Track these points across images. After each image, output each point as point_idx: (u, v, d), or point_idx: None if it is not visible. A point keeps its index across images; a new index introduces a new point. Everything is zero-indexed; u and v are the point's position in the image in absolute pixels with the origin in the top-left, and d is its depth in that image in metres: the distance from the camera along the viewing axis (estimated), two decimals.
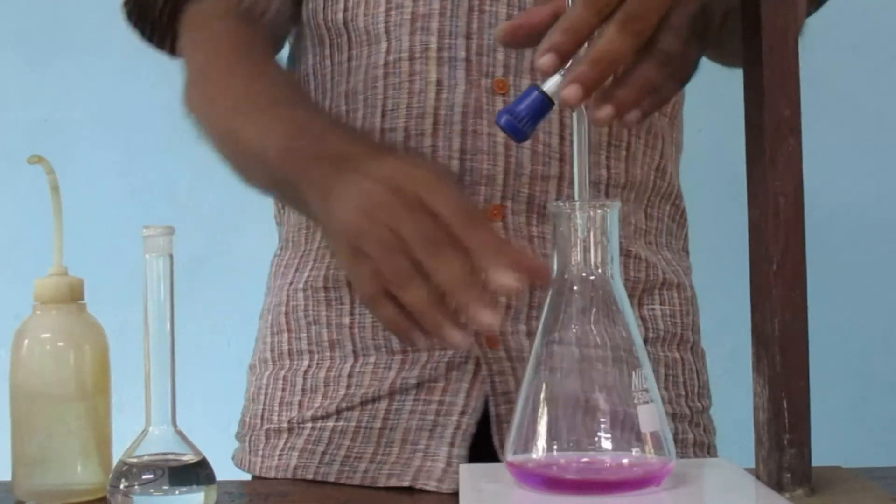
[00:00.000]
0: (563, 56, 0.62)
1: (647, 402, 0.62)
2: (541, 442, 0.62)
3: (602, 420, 0.62)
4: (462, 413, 0.83)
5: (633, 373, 0.63)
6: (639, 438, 0.62)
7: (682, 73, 0.65)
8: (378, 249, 0.64)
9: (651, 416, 0.62)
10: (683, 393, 0.91)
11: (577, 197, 0.65)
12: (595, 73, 0.61)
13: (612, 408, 0.62)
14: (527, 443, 0.63)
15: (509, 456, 0.64)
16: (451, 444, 0.82)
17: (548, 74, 0.63)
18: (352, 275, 0.67)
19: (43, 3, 1.65)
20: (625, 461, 0.62)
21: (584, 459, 0.62)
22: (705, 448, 0.92)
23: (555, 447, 0.62)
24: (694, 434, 0.91)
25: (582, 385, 0.62)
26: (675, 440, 0.88)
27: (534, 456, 0.62)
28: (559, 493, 0.62)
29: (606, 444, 0.61)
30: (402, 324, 0.65)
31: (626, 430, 0.62)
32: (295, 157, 0.74)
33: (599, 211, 0.64)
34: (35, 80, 1.66)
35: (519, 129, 0.64)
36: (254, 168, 0.82)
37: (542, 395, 0.63)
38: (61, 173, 0.75)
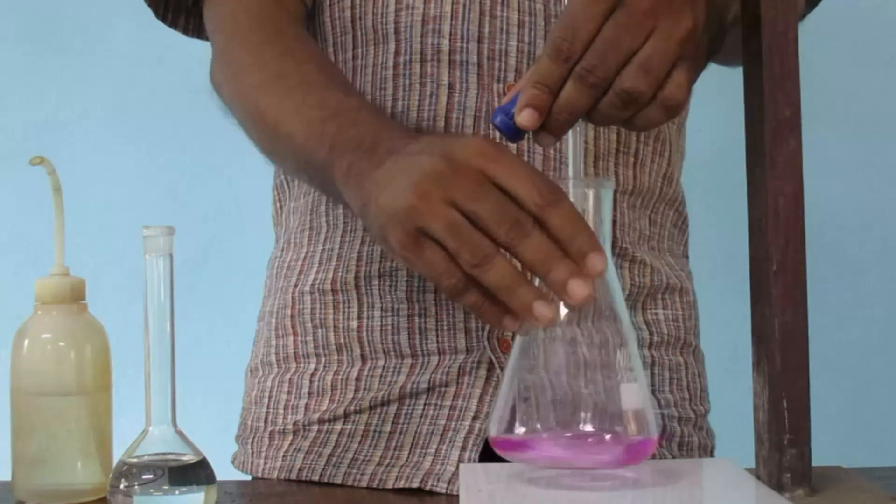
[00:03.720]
0: (541, 109, 0.63)
1: (631, 381, 0.63)
2: (523, 417, 0.63)
3: (583, 397, 0.62)
4: (475, 418, 0.82)
5: (618, 351, 0.63)
6: (621, 416, 0.62)
7: (671, 101, 0.64)
8: (447, 232, 0.60)
9: (633, 395, 0.63)
10: (688, 396, 0.91)
11: (571, 174, 0.65)
12: (556, 121, 0.64)
13: (595, 385, 0.62)
14: (510, 418, 0.63)
15: (493, 430, 0.64)
16: (464, 448, 0.82)
17: (530, 129, 0.64)
18: (417, 263, 0.63)
19: (43, 2, 1.65)
20: (606, 437, 0.62)
21: (566, 435, 0.62)
22: (708, 451, 0.92)
23: (537, 422, 0.63)
24: (698, 437, 0.91)
25: (565, 363, 0.63)
26: (681, 443, 0.88)
27: (516, 431, 0.63)
28: (541, 466, 0.64)
29: (587, 420, 0.62)
30: (492, 309, 0.63)
31: (608, 408, 0.62)
32: (326, 142, 0.72)
33: (592, 189, 0.64)
34: (35, 79, 1.66)
35: (513, 128, 0.65)
36: (282, 150, 0.79)
37: (527, 372, 0.63)
38: (61, 173, 0.75)
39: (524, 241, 0.60)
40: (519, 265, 0.62)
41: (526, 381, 0.63)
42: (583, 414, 0.62)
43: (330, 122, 0.73)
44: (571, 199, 0.63)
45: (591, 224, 0.64)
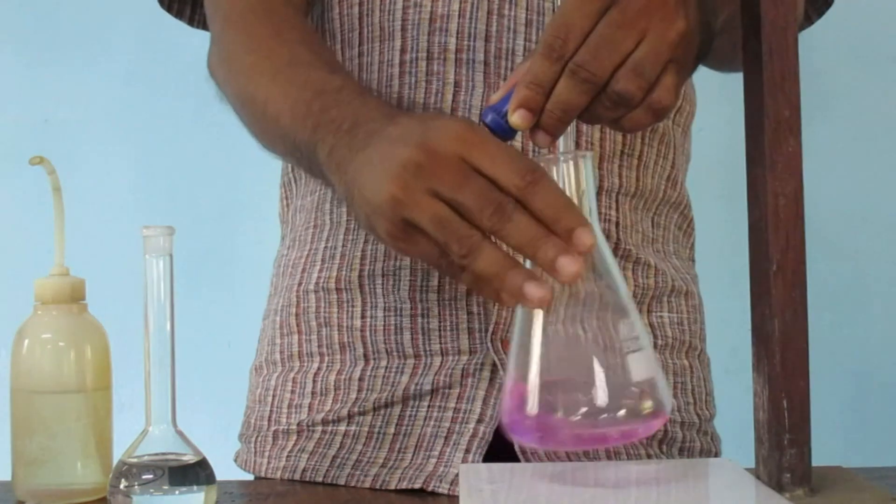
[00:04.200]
0: (534, 109, 0.64)
1: (636, 350, 0.62)
2: (533, 398, 0.62)
3: (592, 371, 0.62)
4: (479, 421, 0.82)
5: (621, 322, 0.63)
6: (630, 387, 0.62)
7: (659, 104, 0.64)
8: (433, 224, 0.60)
9: (641, 364, 0.62)
10: (692, 401, 0.90)
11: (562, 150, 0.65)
12: (550, 119, 0.64)
13: (601, 359, 0.62)
14: (520, 401, 0.63)
15: (504, 415, 0.64)
16: (467, 451, 0.81)
17: (523, 130, 0.64)
18: (409, 251, 0.63)
19: (43, 3, 1.65)
20: (619, 413, 0.61)
21: (580, 412, 0.62)
22: (712, 456, 0.92)
23: (547, 402, 0.62)
24: (701, 442, 0.90)
25: (570, 339, 0.63)
26: (682, 448, 0.88)
27: (528, 412, 0.62)
28: (555, 448, 0.64)
29: (598, 395, 0.61)
30: (487, 288, 0.62)
31: (618, 380, 0.62)
32: (309, 122, 0.71)
33: (571, 161, 0.64)
34: (35, 80, 1.66)
35: (505, 127, 0.65)
36: (271, 133, 0.78)
37: (532, 353, 0.63)
38: (61, 173, 0.75)
39: (508, 226, 0.60)
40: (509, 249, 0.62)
41: (532, 364, 0.63)
42: (592, 391, 0.61)
43: (314, 103, 0.72)
44: (552, 173, 0.63)
45: (574, 197, 0.63)
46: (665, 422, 0.63)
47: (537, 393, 0.62)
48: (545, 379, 0.62)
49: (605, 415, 0.61)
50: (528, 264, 0.62)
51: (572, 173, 0.64)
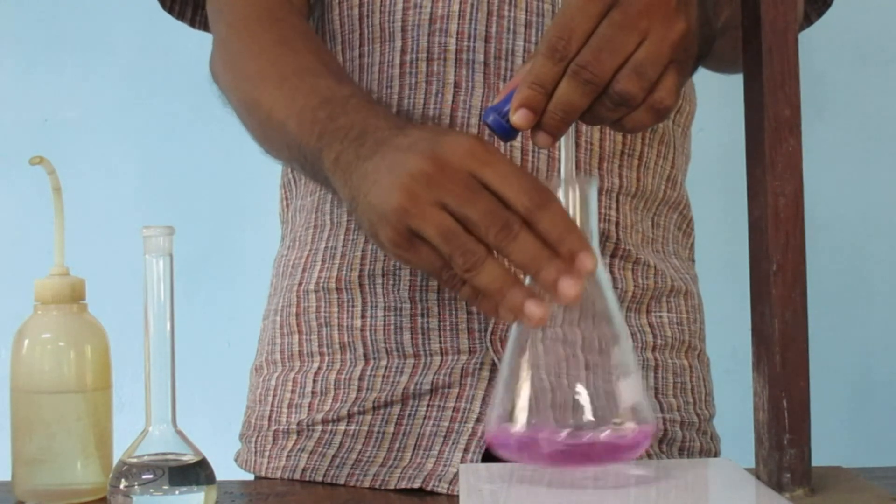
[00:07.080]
0: (535, 109, 0.64)
1: (625, 375, 0.63)
2: (521, 414, 0.63)
3: (580, 393, 0.63)
4: (478, 420, 0.82)
5: (613, 346, 0.63)
6: (617, 410, 0.63)
7: (660, 104, 0.65)
8: (439, 236, 0.61)
9: (629, 389, 0.63)
10: (692, 400, 0.91)
11: (563, 174, 0.66)
12: (552, 120, 0.64)
13: (591, 381, 0.63)
14: (507, 415, 0.63)
15: (490, 429, 0.64)
16: (466, 450, 0.81)
17: (524, 130, 0.64)
18: (411, 260, 0.64)
19: (43, 3, 1.65)
20: (602, 434, 0.62)
21: (563, 433, 0.62)
22: (711, 455, 0.92)
23: (534, 419, 0.63)
24: (701, 442, 0.91)
25: (560, 359, 0.63)
26: (682, 448, 0.88)
27: (513, 428, 0.63)
28: (539, 464, 0.64)
29: (585, 416, 0.62)
30: (488, 301, 0.63)
31: (605, 403, 0.63)
32: (316, 129, 0.71)
33: (578, 188, 0.65)
34: (35, 80, 1.66)
35: (506, 128, 0.65)
36: (275, 139, 0.78)
37: (523, 369, 0.64)
38: (61, 173, 0.75)
39: (513, 244, 0.60)
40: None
41: (520, 379, 0.64)
42: (577, 412, 0.62)
43: (320, 110, 0.73)
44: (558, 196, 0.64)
45: (577, 222, 0.64)
46: (648, 444, 0.64)
47: (525, 410, 0.63)
48: (532, 396, 0.63)
49: (589, 436, 0.62)
50: (528, 283, 0.63)
51: (578, 199, 0.65)
